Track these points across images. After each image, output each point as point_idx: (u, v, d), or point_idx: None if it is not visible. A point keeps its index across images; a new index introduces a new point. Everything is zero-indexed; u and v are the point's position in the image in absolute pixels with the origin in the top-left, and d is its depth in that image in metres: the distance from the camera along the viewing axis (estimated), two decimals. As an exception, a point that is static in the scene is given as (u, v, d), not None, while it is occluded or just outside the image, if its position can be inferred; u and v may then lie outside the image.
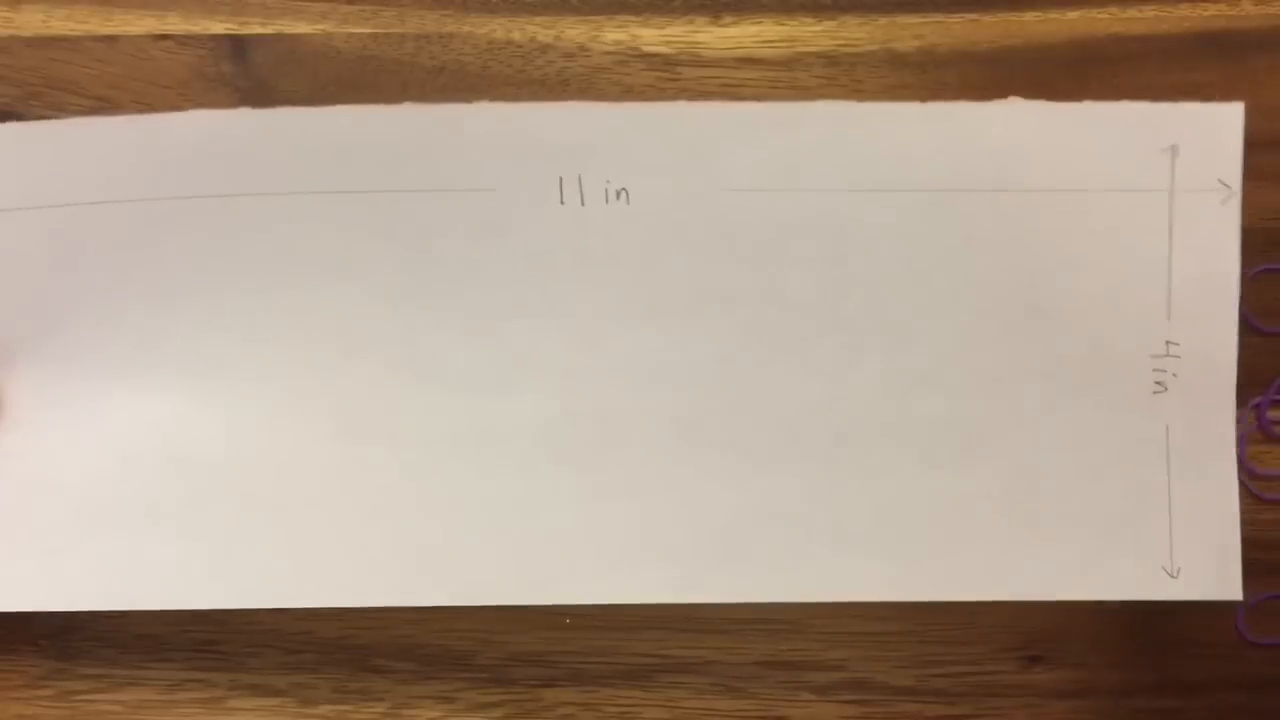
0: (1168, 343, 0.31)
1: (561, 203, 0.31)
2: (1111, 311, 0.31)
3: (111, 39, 0.34)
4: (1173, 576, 0.31)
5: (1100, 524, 0.32)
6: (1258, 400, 0.33)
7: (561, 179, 0.31)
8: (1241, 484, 0.33)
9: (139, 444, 0.31)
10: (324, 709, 0.34)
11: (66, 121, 0.31)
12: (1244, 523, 0.33)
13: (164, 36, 0.34)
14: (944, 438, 0.32)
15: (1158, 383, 0.32)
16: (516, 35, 0.33)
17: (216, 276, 0.31)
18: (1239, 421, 0.33)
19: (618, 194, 0.31)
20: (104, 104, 0.33)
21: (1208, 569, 0.32)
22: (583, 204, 0.31)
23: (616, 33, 0.33)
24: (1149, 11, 0.33)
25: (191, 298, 0.31)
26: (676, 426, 0.31)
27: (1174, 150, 0.31)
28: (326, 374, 0.31)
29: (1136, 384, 0.32)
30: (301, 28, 0.34)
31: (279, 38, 0.34)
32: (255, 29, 0.34)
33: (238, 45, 0.33)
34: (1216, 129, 0.31)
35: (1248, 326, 0.33)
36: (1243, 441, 0.33)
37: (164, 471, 0.31)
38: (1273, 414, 0.33)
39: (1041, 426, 0.32)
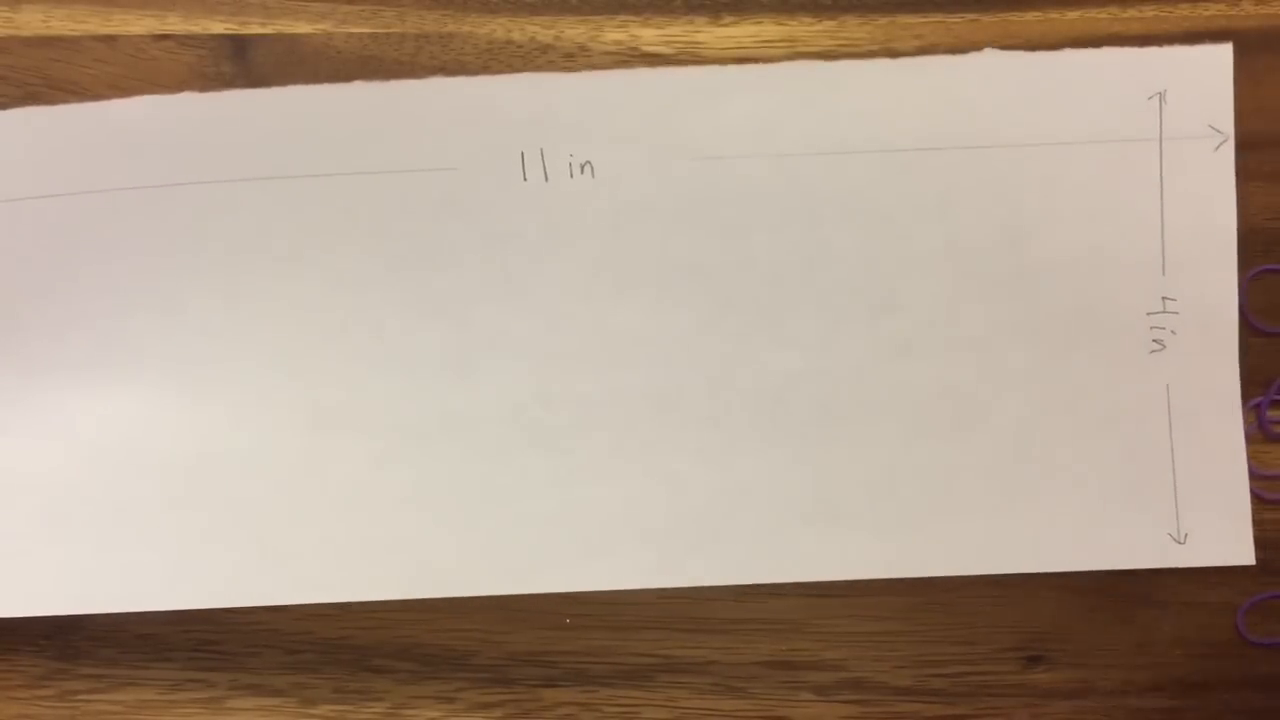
0: (1164, 299, 0.30)
1: (525, 179, 0.30)
2: (1103, 268, 0.30)
3: (111, 39, 0.34)
4: (1180, 542, 0.30)
5: (1101, 491, 0.30)
6: (1258, 400, 0.33)
7: (524, 154, 0.30)
8: (1241, 484, 0.33)
9: (104, 442, 0.31)
10: (324, 709, 0.34)
11: (13, 112, 0.30)
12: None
13: (164, 36, 0.34)
14: (932, 406, 0.30)
15: (1156, 341, 0.30)
16: (516, 35, 0.33)
17: (175, 268, 0.30)
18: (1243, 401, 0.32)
19: (581, 168, 0.30)
20: (104, 104, 0.33)
21: (1217, 533, 0.30)
22: (546, 179, 0.30)
23: (616, 33, 0.33)
24: (1149, 11, 0.33)
25: (150, 291, 0.30)
26: (652, 404, 0.31)
27: (1161, 96, 0.30)
28: (293, 364, 0.31)
29: (1133, 343, 0.30)
30: (301, 28, 0.34)
31: (279, 38, 0.33)
32: (255, 29, 0.34)
33: (238, 45, 0.33)
34: (1205, 72, 0.30)
35: (1248, 327, 0.33)
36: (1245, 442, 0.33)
37: (131, 469, 0.31)
38: (1273, 414, 0.33)
39: (1034, 390, 0.30)
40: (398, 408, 0.31)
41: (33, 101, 0.33)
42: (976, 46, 0.33)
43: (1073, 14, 0.33)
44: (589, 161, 0.30)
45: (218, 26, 0.34)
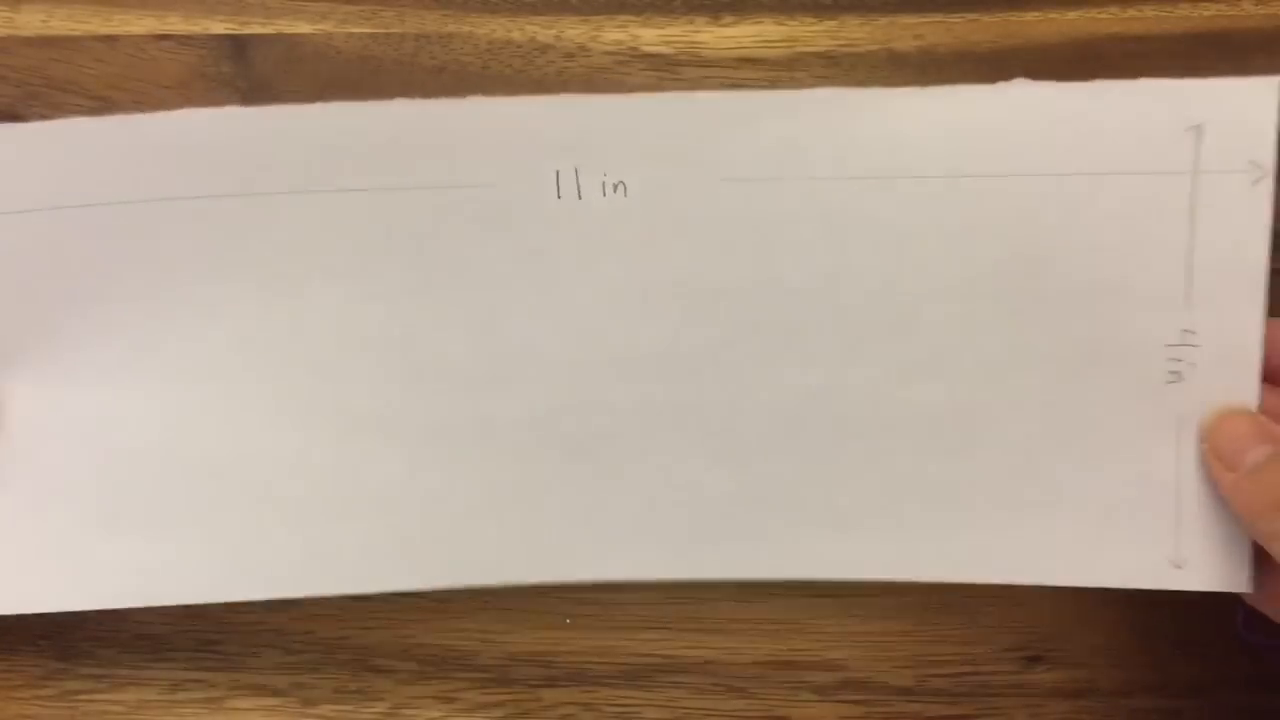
0: (1184, 331, 0.30)
1: (559, 197, 0.31)
2: (1124, 297, 0.31)
3: (111, 39, 0.34)
4: (1177, 567, 0.31)
5: (1103, 512, 0.31)
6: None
7: (558, 173, 0.31)
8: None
9: (140, 446, 0.31)
10: (324, 709, 0.34)
11: (57, 123, 0.31)
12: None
13: (164, 36, 0.34)
14: (944, 425, 0.31)
15: (1173, 372, 0.31)
16: (516, 35, 0.33)
17: (213, 278, 0.31)
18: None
19: (615, 187, 0.31)
20: (104, 104, 0.33)
21: (1214, 561, 0.31)
22: (580, 197, 0.31)
23: (617, 33, 0.33)
24: (1149, 11, 0.33)
25: (188, 299, 0.31)
26: (675, 416, 0.31)
27: (1199, 130, 0.30)
28: (326, 373, 0.31)
29: (1149, 373, 0.31)
30: (301, 28, 0.34)
31: (279, 38, 0.34)
32: (255, 29, 0.34)
33: (238, 45, 0.33)
34: (1248, 106, 0.30)
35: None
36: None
37: (166, 474, 0.31)
38: (1273, 414, 0.33)
39: (1046, 414, 0.31)
40: (428, 416, 0.31)
41: (33, 101, 0.33)
42: (976, 46, 0.33)
43: (1073, 14, 0.33)
44: (622, 181, 0.31)
45: (218, 26, 0.34)
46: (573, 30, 0.33)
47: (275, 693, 0.34)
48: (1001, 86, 0.30)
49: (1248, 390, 0.30)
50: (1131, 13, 0.33)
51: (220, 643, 0.34)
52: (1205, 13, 0.33)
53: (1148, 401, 0.31)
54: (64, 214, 0.31)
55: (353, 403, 0.31)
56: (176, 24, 0.34)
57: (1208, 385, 0.31)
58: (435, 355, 0.31)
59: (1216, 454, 0.29)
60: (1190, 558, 0.31)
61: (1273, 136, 0.29)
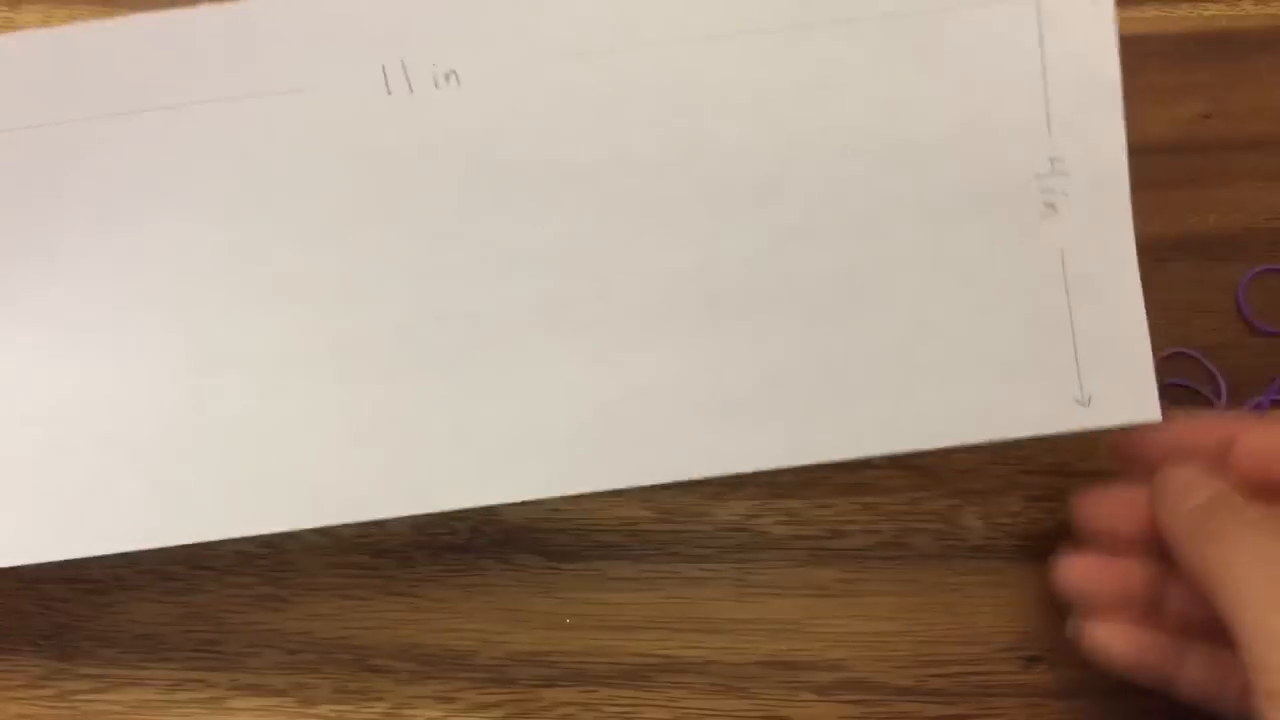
0: (1052, 160, 0.29)
1: (389, 93, 0.29)
2: (987, 134, 0.29)
3: (111, 39, 0.33)
4: (1084, 405, 0.30)
5: (1001, 361, 0.30)
6: (1258, 400, 0.33)
7: (384, 67, 0.29)
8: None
9: None
10: (324, 709, 0.34)
11: None
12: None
13: (164, 36, 0.33)
14: (824, 291, 0.30)
15: (1047, 204, 0.30)
16: None
17: (42, 213, 0.29)
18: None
19: (447, 76, 0.29)
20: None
21: (1120, 392, 0.30)
22: (411, 91, 0.29)
23: None
24: (1149, 11, 0.33)
25: (19, 239, 0.30)
26: (541, 315, 0.30)
27: None
28: (170, 306, 0.30)
29: (1023, 208, 0.30)
30: (301, 27, 0.34)
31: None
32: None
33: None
34: None
35: (1247, 327, 0.33)
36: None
37: (13, 421, 0.30)
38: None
39: (927, 266, 0.30)
40: (280, 340, 0.30)
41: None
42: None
43: (1073, 14, 0.33)
44: (454, 70, 0.29)
45: (218, 26, 0.34)
46: None
47: (274, 692, 0.34)
48: None
49: (1120, 210, 0.30)
50: (1132, 13, 0.33)
51: (219, 643, 0.34)
52: (1205, 13, 0.33)
53: (1028, 237, 0.30)
54: None
55: (199, 336, 0.30)
56: (176, 24, 0.34)
57: (1083, 212, 0.30)
58: (278, 277, 0.30)
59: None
60: (1095, 392, 0.30)
61: None
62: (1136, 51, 0.33)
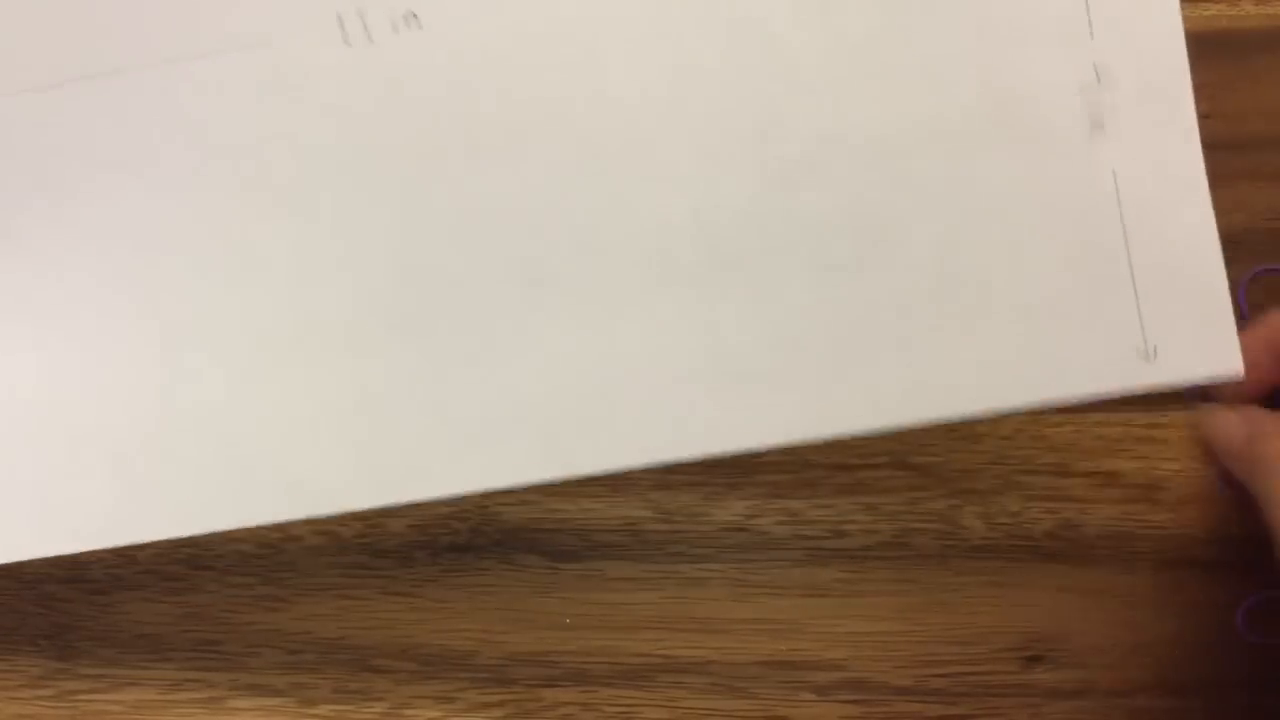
0: (1097, 68, 0.25)
1: (346, 44, 0.27)
2: (1020, 43, 0.25)
3: (111, 39, 0.34)
4: (1148, 359, 0.25)
5: (1046, 309, 0.26)
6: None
7: (340, 15, 0.27)
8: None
9: None
10: (324, 709, 0.34)
11: None
12: (1245, 522, 0.32)
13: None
14: (835, 236, 0.26)
15: (1093, 121, 0.26)
16: None
17: None
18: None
19: (406, 20, 0.27)
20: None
21: (1192, 341, 0.25)
22: (370, 40, 0.27)
23: None
24: (1149, 11, 0.33)
25: None
26: (520, 273, 0.27)
27: None
28: (133, 287, 0.28)
29: (1065, 127, 0.25)
30: (301, 27, 0.34)
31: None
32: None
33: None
34: None
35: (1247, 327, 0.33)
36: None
37: None
38: (1273, 414, 0.33)
39: (956, 199, 0.26)
40: (248, 316, 0.28)
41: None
42: None
43: (1073, 14, 0.33)
44: (412, 12, 0.27)
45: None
46: None
47: (274, 692, 0.34)
48: None
49: (1184, 121, 0.25)
50: (1131, 13, 0.33)
51: (219, 642, 0.34)
52: (1205, 13, 0.33)
53: (1072, 161, 0.25)
54: None
55: (164, 318, 0.28)
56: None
57: (1137, 127, 0.25)
58: (244, 250, 0.28)
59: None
60: (1162, 343, 0.25)
61: None
62: (1136, 51, 0.33)
